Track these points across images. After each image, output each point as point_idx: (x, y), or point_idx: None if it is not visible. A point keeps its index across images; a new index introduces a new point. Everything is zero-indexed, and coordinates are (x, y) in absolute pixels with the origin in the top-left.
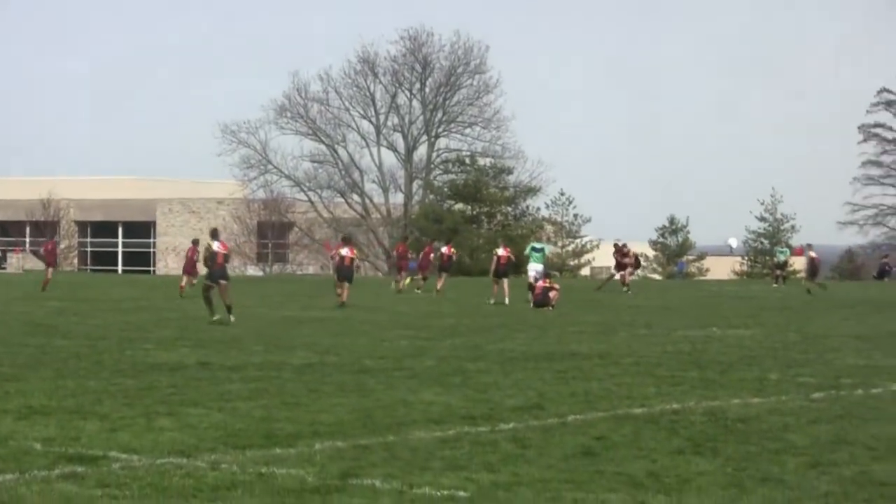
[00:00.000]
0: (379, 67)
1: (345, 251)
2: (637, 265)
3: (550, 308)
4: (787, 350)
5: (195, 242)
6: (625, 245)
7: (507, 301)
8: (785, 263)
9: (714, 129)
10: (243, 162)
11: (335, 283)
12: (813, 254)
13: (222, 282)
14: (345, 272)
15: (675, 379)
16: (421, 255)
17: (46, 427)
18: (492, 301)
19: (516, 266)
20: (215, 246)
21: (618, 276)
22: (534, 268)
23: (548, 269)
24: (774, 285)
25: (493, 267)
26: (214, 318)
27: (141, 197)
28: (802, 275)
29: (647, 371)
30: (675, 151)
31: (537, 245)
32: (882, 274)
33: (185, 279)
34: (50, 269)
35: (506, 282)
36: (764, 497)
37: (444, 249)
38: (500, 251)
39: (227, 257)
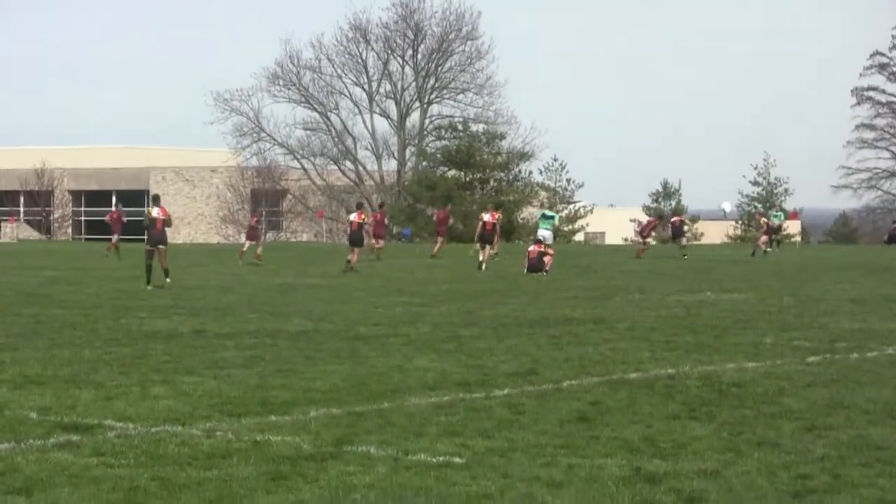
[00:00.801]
0: (371, 34)
1: (353, 216)
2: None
3: (544, 273)
4: (781, 314)
5: (382, 205)
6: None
7: (484, 267)
8: (779, 227)
9: (707, 95)
10: (236, 130)
11: (348, 249)
12: (764, 219)
13: (160, 246)
14: (352, 237)
15: (670, 344)
16: (374, 223)
17: (42, 396)
18: (483, 266)
19: (507, 233)
20: (154, 212)
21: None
22: (542, 234)
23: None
24: (769, 249)
25: (478, 231)
26: (149, 287)
27: (134, 166)
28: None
29: (641, 336)
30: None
31: (548, 213)
32: (892, 239)
33: (374, 243)
34: (115, 237)
35: (488, 248)
36: (760, 461)
37: (486, 217)
38: (487, 217)
39: (165, 223)
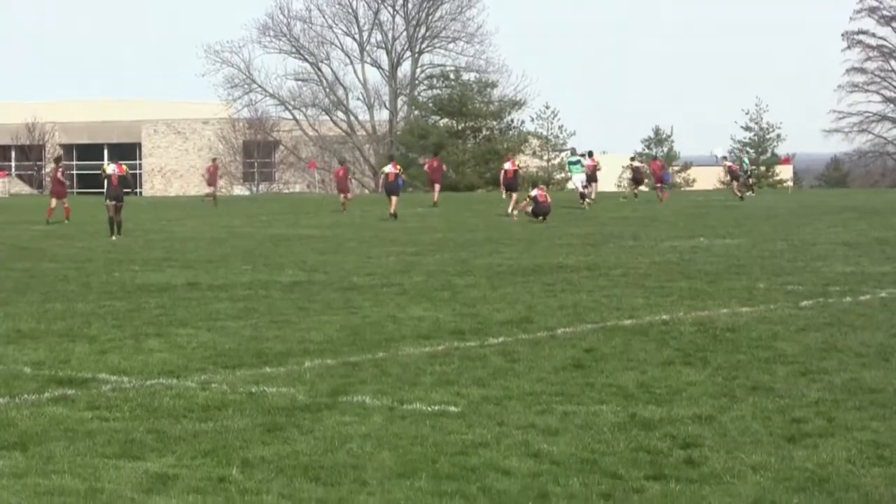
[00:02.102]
0: None
1: (388, 168)
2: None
3: (543, 219)
4: (774, 259)
5: (342, 162)
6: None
7: (513, 212)
8: (748, 172)
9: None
10: (227, 82)
11: (386, 199)
12: (636, 164)
13: (118, 202)
14: (390, 187)
15: (664, 290)
16: (340, 177)
17: (36, 350)
18: (514, 214)
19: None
20: (110, 169)
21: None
22: (578, 178)
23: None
24: (749, 193)
25: (501, 179)
26: (114, 237)
27: (126, 119)
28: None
29: (635, 282)
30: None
31: (573, 158)
32: None
33: (341, 197)
34: (213, 188)
35: (514, 196)
36: (754, 405)
37: (507, 166)
38: (508, 165)
39: (121, 179)
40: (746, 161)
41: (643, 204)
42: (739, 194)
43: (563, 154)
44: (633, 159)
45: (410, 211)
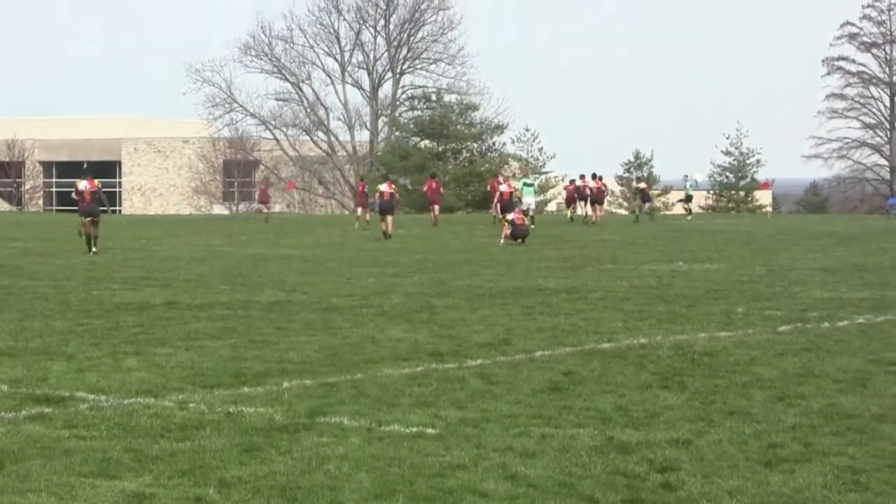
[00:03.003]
0: (343, 4)
1: (383, 187)
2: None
3: (521, 241)
4: (753, 283)
5: (363, 178)
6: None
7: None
8: (689, 198)
9: (679, 64)
10: (208, 101)
11: (379, 219)
12: (642, 185)
13: (93, 218)
14: (385, 206)
15: (643, 313)
16: (361, 192)
17: (13, 368)
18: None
19: (482, 203)
20: (82, 185)
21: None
22: (528, 201)
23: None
24: (643, 213)
25: (496, 203)
26: (92, 253)
27: (106, 136)
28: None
29: (614, 306)
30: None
31: (528, 180)
32: None
33: (359, 212)
34: (264, 206)
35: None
36: (732, 430)
37: (503, 188)
38: (504, 187)
39: (94, 195)
40: (690, 185)
41: (623, 227)
42: (636, 214)
43: (521, 179)
44: (639, 180)
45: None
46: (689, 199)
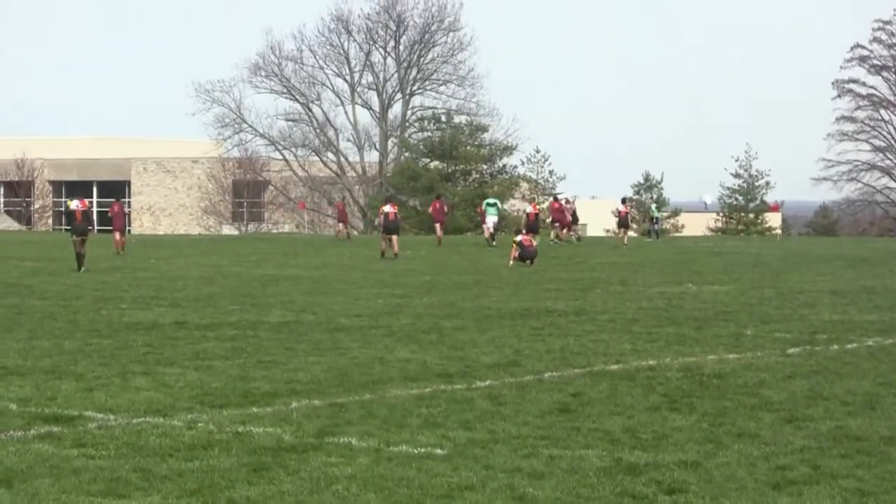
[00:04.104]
0: (353, 25)
1: (387, 208)
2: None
3: (530, 263)
4: (762, 306)
5: (389, 199)
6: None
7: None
8: (656, 219)
9: (689, 86)
10: (217, 121)
11: (381, 238)
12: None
13: (82, 237)
14: (391, 226)
15: (651, 335)
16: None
17: (22, 387)
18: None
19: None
20: (73, 205)
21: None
22: (491, 220)
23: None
24: (648, 239)
25: (524, 223)
26: (81, 270)
27: (115, 156)
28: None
29: (622, 328)
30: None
31: (491, 200)
32: None
33: (340, 227)
34: (341, 224)
35: (537, 237)
36: (740, 452)
37: (528, 209)
38: (529, 208)
39: (85, 214)
40: (654, 208)
41: (632, 249)
42: (555, 237)
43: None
44: (568, 201)
45: (399, 252)
46: (654, 221)
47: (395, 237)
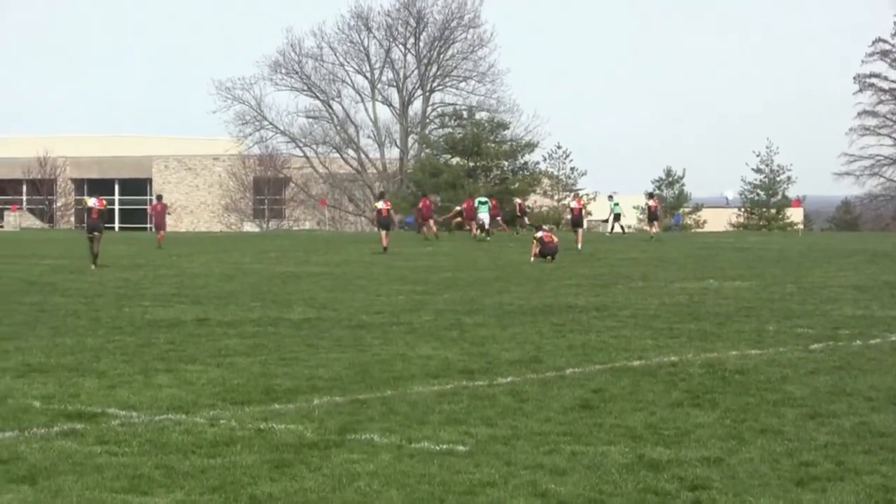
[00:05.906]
0: (373, 22)
1: (380, 204)
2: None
3: (551, 259)
4: (784, 301)
5: (425, 195)
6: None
7: (579, 247)
8: (619, 216)
9: (710, 82)
10: (238, 118)
11: (380, 234)
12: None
13: (95, 234)
14: (383, 221)
15: (673, 331)
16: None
17: (45, 385)
18: (579, 247)
19: (513, 220)
20: (91, 202)
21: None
22: (481, 217)
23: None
24: (617, 232)
25: (570, 217)
26: (93, 267)
27: (136, 154)
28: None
29: (644, 324)
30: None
31: (482, 198)
32: None
33: (424, 229)
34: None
35: (580, 231)
36: (763, 448)
37: (573, 204)
38: (574, 203)
39: (101, 212)
40: (614, 205)
41: (653, 245)
42: (478, 230)
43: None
44: (523, 202)
45: (420, 250)
46: (617, 217)
47: (384, 232)
